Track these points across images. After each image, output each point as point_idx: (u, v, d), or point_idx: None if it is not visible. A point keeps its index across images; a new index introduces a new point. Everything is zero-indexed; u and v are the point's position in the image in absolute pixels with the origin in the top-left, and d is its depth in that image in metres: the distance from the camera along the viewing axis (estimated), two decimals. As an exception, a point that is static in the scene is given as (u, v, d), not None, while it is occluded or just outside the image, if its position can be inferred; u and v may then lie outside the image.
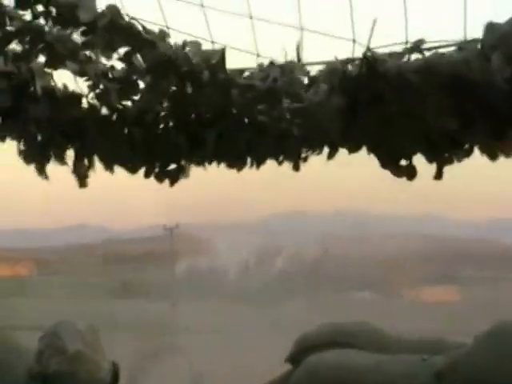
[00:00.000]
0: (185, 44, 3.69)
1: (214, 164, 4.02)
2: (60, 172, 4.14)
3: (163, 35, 3.70)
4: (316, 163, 3.93)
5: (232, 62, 3.73)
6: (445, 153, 3.62)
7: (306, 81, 3.68)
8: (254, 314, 36.13)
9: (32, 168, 4.13)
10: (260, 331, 29.94)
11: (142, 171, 4.12)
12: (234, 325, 32.35)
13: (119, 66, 3.82)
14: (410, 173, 3.71)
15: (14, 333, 4.43)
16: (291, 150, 3.86)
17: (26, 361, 2.87)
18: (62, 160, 4.11)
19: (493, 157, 3.58)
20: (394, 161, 3.69)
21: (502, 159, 3.59)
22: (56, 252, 58.18)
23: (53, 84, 3.97)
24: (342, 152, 3.80)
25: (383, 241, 59.01)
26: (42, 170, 4.13)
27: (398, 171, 3.70)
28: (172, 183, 4.09)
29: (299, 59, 3.67)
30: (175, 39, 3.72)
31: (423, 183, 3.85)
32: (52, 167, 4.15)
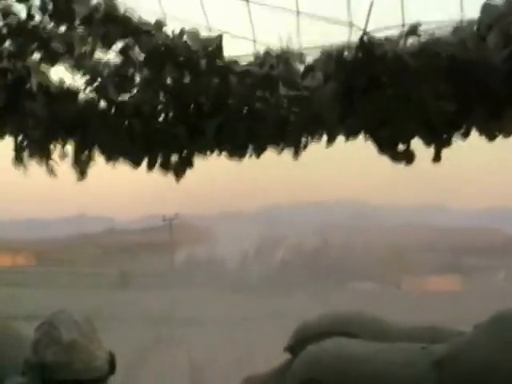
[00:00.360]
0: (182, 32, 3.69)
1: (215, 154, 4.01)
2: (60, 163, 4.14)
3: (160, 25, 3.70)
4: (316, 154, 3.92)
5: (229, 49, 3.72)
6: (443, 135, 3.62)
7: (302, 69, 3.67)
8: (254, 305, 36.17)
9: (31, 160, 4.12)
10: (260, 321, 29.99)
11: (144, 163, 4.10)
12: (234, 315, 32.39)
13: (116, 60, 3.81)
14: (408, 157, 3.71)
15: (15, 322, 4.46)
16: (291, 137, 3.85)
17: (26, 350, 2.88)
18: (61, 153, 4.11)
19: (491, 138, 3.58)
20: (392, 146, 3.69)
21: (503, 149, 3.59)
22: (56, 242, 58.23)
23: (49, 80, 3.96)
24: (342, 141, 3.79)
25: (383, 231, 59.00)
26: (46, 164, 4.12)
27: (396, 156, 3.70)
28: (178, 178, 4.06)
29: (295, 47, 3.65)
30: (172, 26, 3.72)
31: (423, 173, 3.85)
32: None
